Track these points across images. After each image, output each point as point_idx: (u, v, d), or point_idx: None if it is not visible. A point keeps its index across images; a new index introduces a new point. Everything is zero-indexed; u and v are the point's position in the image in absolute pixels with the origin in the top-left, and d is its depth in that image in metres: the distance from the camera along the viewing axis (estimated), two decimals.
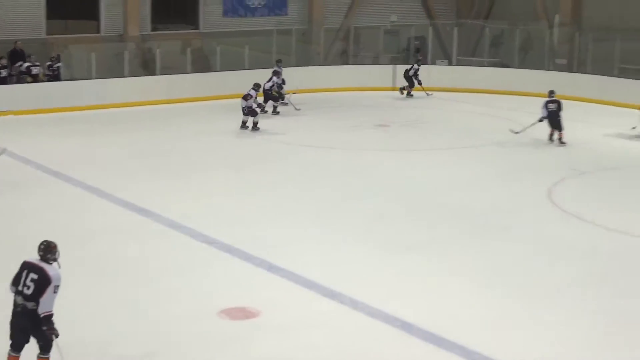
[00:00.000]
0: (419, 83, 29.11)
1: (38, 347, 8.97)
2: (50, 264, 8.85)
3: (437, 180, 18.35)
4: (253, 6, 31.69)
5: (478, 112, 26.72)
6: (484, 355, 10.01)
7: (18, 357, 9.01)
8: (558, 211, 16.18)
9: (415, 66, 29.23)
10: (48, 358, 8.99)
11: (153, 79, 28.06)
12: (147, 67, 29.01)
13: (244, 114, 23.14)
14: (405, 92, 29.39)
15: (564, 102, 22.24)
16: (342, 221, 15.30)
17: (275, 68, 26.80)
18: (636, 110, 22.83)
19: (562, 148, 21.54)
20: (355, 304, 11.45)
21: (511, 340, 10.47)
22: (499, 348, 10.19)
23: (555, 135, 21.86)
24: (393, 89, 30.41)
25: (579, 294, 12.06)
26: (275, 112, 25.89)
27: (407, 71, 29.31)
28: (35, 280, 8.73)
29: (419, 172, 19.07)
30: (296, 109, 25.89)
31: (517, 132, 22.14)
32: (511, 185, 17.97)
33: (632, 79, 28.17)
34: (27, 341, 8.98)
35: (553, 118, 21.76)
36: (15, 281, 8.89)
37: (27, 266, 8.89)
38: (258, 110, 23.49)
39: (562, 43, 31.90)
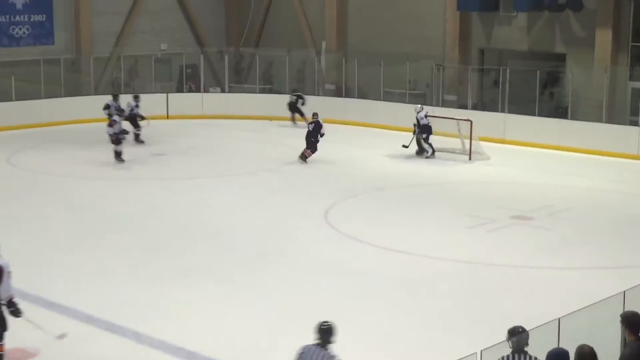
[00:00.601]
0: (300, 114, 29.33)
1: None
2: None
3: (214, 207, 18.48)
4: (17, 36, 30.66)
5: (251, 139, 27.13)
6: None
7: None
8: (333, 232, 16.71)
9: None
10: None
11: None
12: None
13: (113, 141, 22.65)
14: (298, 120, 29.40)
15: (332, 126, 23.11)
16: (111, 251, 15.16)
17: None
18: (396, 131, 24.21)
19: (335, 171, 22.31)
20: (138, 337, 11.38)
21: None
22: None
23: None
24: (168, 117, 30.34)
25: (354, 311, 12.53)
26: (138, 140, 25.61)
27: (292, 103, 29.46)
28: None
29: (194, 198, 19.11)
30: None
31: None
32: (287, 209, 18.38)
33: (396, 102, 29.55)
34: None
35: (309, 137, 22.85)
36: None
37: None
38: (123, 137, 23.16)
39: (330, 69, 33.00)
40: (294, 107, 29.40)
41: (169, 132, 28.31)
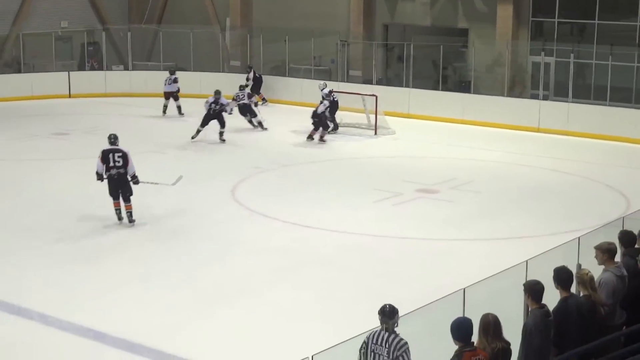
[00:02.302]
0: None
1: (124, 199, 15.24)
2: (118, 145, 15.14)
3: None
4: None
5: (156, 116, 26.82)
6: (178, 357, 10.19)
7: (118, 202, 15.31)
8: (241, 209, 16.69)
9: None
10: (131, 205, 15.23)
11: None
12: None
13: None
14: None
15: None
16: (18, 233, 14.89)
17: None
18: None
19: (241, 148, 22.27)
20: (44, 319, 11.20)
21: (195, 340, 10.72)
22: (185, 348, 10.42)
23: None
24: (70, 96, 29.78)
25: (260, 287, 12.56)
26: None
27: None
28: (121, 157, 14.98)
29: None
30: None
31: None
32: (195, 186, 18.25)
33: (301, 78, 29.61)
34: (121, 193, 15.18)
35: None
36: (106, 162, 14.94)
37: (108, 152, 15.02)
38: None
39: (235, 45, 32.80)
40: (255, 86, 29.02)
41: (72, 110, 27.83)
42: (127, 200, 15.27)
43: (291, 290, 12.42)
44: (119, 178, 15.04)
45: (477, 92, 27.02)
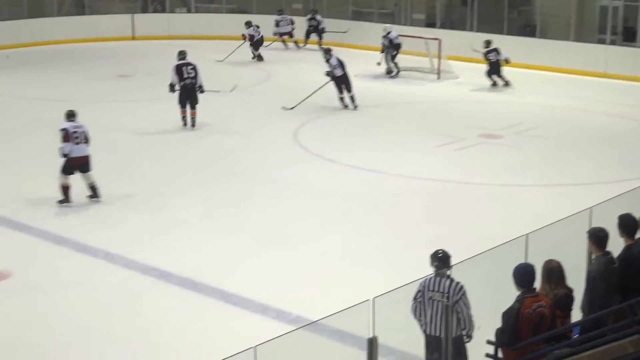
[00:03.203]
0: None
1: (192, 106, 17.77)
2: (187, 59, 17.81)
3: (181, 128, 18.37)
4: None
5: (219, 60, 26.82)
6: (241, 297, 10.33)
7: (185, 110, 17.84)
8: (303, 152, 16.72)
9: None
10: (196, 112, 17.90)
11: None
12: None
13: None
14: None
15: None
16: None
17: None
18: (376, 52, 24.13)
19: (304, 91, 22.19)
20: (110, 258, 11.41)
21: (255, 281, 10.83)
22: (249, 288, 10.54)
23: None
24: (133, 38, 29.97)
25: (333, 232, 12.61)
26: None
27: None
28: (192, 69, 17.57)
29: (161, 120, 18.96)
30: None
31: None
32: (256, 128, 18.31)
33: (365, 21, 29.34)
34: (189, 101, 17.70)
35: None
36: (179, 74, 17.42)
37: (181, 65, 17.58)
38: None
39: None
40: (313, 30, 28.98)
41: (136, 53, 28.04)
42: (193, 107, 17.81)
43: (351, 234, 12.45)
44: (191, 88, 17.39)
45: (542, 36, 26.53)
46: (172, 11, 32.17)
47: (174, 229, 12.55)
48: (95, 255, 11.52)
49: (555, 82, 23.85)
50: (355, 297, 6.83)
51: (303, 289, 10.58)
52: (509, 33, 26.90)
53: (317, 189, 14.46)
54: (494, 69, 22.73)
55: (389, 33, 24.01)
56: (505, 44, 26.01)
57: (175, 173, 15.34)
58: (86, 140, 13.30)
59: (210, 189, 14.50)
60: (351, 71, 20.42)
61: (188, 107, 17.84)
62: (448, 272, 7.58)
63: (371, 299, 6.69)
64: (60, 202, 13.28)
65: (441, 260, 7.68)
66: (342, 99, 20.16)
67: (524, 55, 25.63)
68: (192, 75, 17.52)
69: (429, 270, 7.76)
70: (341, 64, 19.98)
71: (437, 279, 7.56)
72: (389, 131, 18.45)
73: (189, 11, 32.73)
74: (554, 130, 18.57)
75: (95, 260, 11.40)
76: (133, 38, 30.06)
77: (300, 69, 25.54)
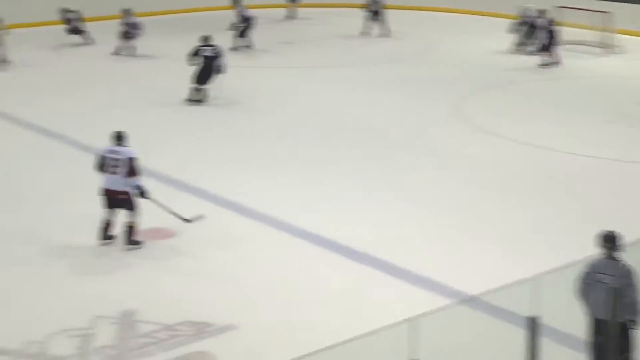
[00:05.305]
0: None
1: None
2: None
3: (341, 97, 18.50)
4: None
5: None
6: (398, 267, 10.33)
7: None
8: (465, 125, 16.53)
9: None
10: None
11: None
12: None
13: None
14: None
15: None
16: (250, 144, 15.38)
17: None
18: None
19: (468, 64, 21.94)
20: (278, 223, 11.64)
21: (414, 251, 10.82)
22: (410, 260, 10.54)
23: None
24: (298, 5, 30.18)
25: (489, 204, 12.46)
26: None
27: None
28: (213, 46, 17.57)
29: (320, 89, 19.09)
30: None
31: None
32: (417, 100, 18.23)
33: None
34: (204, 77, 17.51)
35: None
36: (196, 53, 17.52)
37: (201, 43, 17.56)
38: None
39: None
40: None
41: (298, 20, 28.36)
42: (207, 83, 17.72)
43: (513, 209, 12.25)
44: (208, 66, 17.44)
45: None
46: None
47: (330, 199, 12.64)
48: (262, 220, 11.75)
49: None
50: (515, 274, 6.73)
51: (460, 260, 10.52)
52: None
53: (478, 162, 14.29)
54: None
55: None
56: None
57: (332, 141, 15.45)
58: (130, 172, 10.55)
59: (368, 162, 14.48)
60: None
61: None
62: (618, 255, 7.36)
63: (534, 278, 6.58)
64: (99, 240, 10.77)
65: (609, 240, 7.47)
66: None
67: None
68: (213, 50, 17.53)
69: (594, 251, 7.56)
70: None
71: (605, 260, 7.35)
72: (553, 106, 17.99)
73: None
74: None
75: (260, 224, 11.63)
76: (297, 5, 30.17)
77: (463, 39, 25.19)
